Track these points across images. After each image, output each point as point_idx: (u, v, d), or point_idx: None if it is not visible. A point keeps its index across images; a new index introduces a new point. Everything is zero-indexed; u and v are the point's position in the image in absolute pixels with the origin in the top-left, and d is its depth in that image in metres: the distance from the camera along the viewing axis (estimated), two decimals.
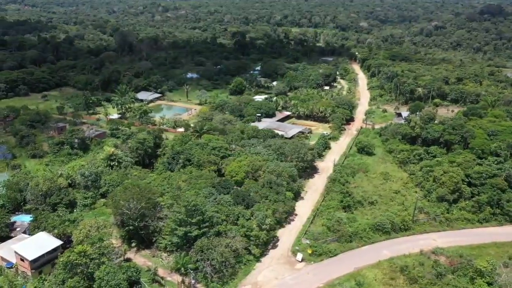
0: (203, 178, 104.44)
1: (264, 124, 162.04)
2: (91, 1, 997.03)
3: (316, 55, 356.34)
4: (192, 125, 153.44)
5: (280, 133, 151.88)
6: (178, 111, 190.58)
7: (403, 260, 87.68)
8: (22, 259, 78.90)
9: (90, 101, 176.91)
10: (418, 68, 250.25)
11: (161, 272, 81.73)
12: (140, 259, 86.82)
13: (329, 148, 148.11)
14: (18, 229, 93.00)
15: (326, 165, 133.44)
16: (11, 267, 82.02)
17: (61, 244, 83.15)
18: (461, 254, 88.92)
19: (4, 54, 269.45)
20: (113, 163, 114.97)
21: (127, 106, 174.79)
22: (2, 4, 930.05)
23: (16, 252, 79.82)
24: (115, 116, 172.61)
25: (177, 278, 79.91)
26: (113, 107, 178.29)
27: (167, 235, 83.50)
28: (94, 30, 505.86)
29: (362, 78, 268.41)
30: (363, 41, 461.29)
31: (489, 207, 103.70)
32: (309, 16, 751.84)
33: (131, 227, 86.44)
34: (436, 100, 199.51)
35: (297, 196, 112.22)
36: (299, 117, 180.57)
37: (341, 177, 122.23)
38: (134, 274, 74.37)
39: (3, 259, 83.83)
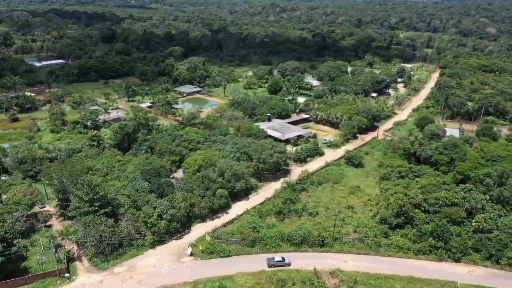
0: (145, 165, 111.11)
1: (269, 124, 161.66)
2: (219, 2, 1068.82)
3: (401, 61, 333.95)
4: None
5: (276, 134, 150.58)
6: (212, 105, 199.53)
7: (290, 274, 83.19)
8: None
9: (130, 90, 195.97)
10: (500, 81, 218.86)
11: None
12: (59, 226, 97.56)
13: (321, 154, 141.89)
14: None
15: (304, 171, 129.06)
16: None
17: None
18: (356, 281, 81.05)
19: (97, 46, 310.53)
20: (94, 143, 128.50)
21: (158, 96, 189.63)
22: (146, 3, 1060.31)
23: None
24: (146, 104, 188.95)
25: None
26: (143, 97, 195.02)
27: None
28: (202, 28, 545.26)
29: (430, 88, 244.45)
30: (482, 49, 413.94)
31: (431, 239, 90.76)
32: (428, 20, 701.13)
33: (60, 198, 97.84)
34: (489, 118, 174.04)
35: (243, 195, 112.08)
36: (317, 121, 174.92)
37: (303, 184, 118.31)
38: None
39: None
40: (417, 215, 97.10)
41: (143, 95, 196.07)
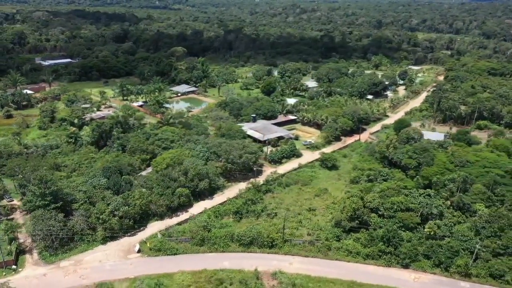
0: (113, 162, 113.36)
1: (253, 125, 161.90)
2: (241, 3, 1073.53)
3: (411, 63, 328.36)
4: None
5: (256, 135, 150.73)
6: (204, 105, 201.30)
7: (231, 274, 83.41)
8: None
9: (125, 89, 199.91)
10: (505, 85, 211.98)
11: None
12: (21, 219, 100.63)
13: (298, 156, 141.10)
14: None
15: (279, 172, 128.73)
16: None
17: None
18: (295, 283, 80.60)
19: (105, 45, 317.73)
20: (71, 140, 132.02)
21: (150, 96, 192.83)
22: (170, 4, 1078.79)
23: None
24: (138, 103, 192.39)
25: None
26: (135, 96, 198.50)
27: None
28: (217, 28, 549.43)
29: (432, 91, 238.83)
30: (504, 51, 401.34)
31: (381, 244, 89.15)
32: (450, 21, 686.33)
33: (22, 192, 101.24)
34: (482, 122, 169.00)
35: (208, 195, 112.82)
36: (304, 123, 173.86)
37: (269, 185, 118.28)
38: None
39: None
40: (372, 219, 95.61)
41: (135, 94, 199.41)
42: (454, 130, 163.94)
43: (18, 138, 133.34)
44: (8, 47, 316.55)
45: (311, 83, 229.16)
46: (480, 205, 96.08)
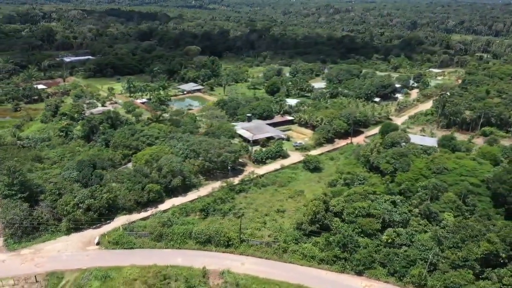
0: (93, 156, 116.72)
1: (247, 124, 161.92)
2: (276, 3, 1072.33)
3: (432, 65, 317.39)
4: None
5: (246, 134, 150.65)
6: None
7: (179, 271, 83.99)
8: None
9: (131, 86, 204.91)
10: None
11: None
12: None
13: (284, 157, 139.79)
14: None
15: (258, 172, 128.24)
16: None
17: None
18: (238, 284, 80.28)
19: (126, 44, 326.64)
20: (62, 133, 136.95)
21: (154, 93, 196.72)
22: (205, 3, 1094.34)
23: None
24: (142, 100, 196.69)
25: None
26: (141, 93, 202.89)
27: None
28: (245, 28, 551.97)
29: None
30: None
31: (338, 249, 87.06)
32: (490, 23, 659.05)
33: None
34: (487, 129, 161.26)
35: (181, 192, 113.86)
36: (301, 124, 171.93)
37: (244, 185, 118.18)
38: None
39: None
40: (334, 224, 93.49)
41: (141, 92, 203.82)
42: (456, 136, 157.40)
43: (13, 130, 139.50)
44: (37, 44, 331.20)
45: (318, 84, 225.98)
46: (448, 215, 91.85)
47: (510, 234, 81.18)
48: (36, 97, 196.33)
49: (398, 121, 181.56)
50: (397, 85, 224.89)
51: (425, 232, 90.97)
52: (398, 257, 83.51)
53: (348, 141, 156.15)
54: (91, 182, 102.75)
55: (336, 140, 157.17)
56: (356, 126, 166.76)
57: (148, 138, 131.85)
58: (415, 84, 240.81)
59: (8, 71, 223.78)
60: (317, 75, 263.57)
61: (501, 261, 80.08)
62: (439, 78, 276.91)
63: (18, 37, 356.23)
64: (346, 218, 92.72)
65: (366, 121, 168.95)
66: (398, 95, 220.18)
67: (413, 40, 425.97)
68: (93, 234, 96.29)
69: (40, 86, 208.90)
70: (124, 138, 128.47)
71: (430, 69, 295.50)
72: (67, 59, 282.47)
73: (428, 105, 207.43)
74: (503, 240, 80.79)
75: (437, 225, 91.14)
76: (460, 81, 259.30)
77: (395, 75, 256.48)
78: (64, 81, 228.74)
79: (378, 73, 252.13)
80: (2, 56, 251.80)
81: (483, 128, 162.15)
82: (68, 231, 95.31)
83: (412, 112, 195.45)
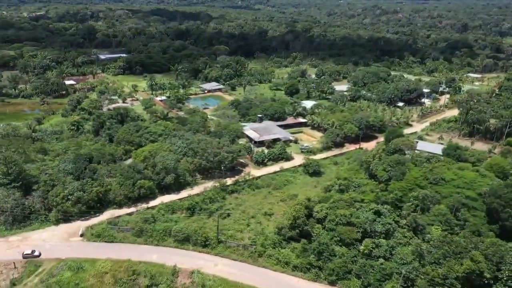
0: (95, 150, 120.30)
1: (256, 125, 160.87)
2: (322, 4, 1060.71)
3: (471, 70, 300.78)
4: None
5: (252, 135, 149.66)
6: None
7: (151, 268, 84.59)
8: None
9: (154, 83, 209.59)
10: None
11: None
12: None
13: (288, 159, 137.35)
14: None
15: (256, 173, 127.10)
16: None
17: None
18: (204, 284, 79.75)
19: (160, 42, 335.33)
20: (73, 127, 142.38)
21: (173, 91, 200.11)
22: (252, 4, 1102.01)
23: None
24: (162, 98, 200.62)
25: None
26: (162, 90, 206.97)
27: None
28: (285, 29, 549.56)
29: None
30: None
31: (313, 256, 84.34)
32: None
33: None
34: None
35: (175, 189, 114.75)
36: (314, 127, 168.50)
37: (238, 186, 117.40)
38: None
39: None
40: (316, 230, 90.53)
41: (162, 90, 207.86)
42: (476, 145, 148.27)
43: (30, 123, 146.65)
44: (78, 41, 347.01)
45: (340, 87, 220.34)
46: (436, 228, 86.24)
47: (497, 252, 74.99)
48: (63, 92, 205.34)
49: (419, 127, 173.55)
50: (425, 90, 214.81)
51: (409, 245, 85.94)
52: (373, 269, 79.45)
53: (363, 145, 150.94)
54: (83, 176, 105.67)
55: (347, 144, 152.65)
56: (370, 131, 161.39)
57: (151, 135, 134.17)
58: (446, 89, 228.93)
59: (42, 67, 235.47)
60: (344, 77, 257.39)
61: (485, 281, 74.20)
62: (476, 83, 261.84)
63: (62, 34, 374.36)
64: (327, 225, 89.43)
65: (382, 126, 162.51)
66: (426, 100, 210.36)
67: (459, 43, 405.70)
68: (80, 225, 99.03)
69: (69, 82, 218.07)
70: (128, 134, 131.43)
71: (468, 74, 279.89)
72: (102, 56, 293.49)
73: (455, 112, 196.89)
74: (489, 259, 74.76)
75: (423, 238, 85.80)
76: (497, 87, 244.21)
77: (426, 79, 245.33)
78: (94, 77, 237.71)
79: (409, 76, 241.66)
80: (42, 52, 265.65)
81: (508, 138, 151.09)
82: (57, 222, 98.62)
83: (436, 118, 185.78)
